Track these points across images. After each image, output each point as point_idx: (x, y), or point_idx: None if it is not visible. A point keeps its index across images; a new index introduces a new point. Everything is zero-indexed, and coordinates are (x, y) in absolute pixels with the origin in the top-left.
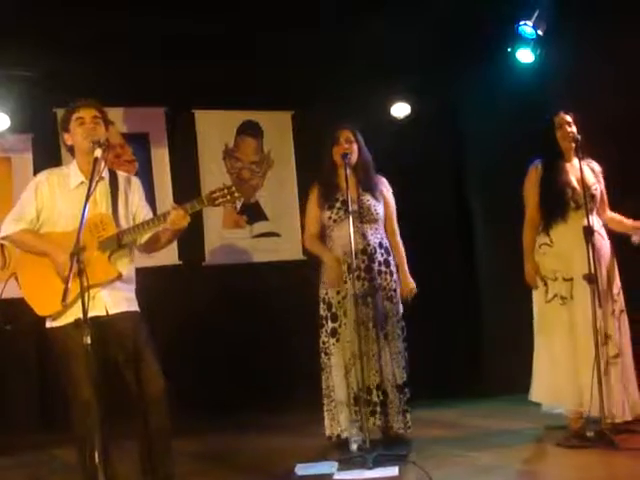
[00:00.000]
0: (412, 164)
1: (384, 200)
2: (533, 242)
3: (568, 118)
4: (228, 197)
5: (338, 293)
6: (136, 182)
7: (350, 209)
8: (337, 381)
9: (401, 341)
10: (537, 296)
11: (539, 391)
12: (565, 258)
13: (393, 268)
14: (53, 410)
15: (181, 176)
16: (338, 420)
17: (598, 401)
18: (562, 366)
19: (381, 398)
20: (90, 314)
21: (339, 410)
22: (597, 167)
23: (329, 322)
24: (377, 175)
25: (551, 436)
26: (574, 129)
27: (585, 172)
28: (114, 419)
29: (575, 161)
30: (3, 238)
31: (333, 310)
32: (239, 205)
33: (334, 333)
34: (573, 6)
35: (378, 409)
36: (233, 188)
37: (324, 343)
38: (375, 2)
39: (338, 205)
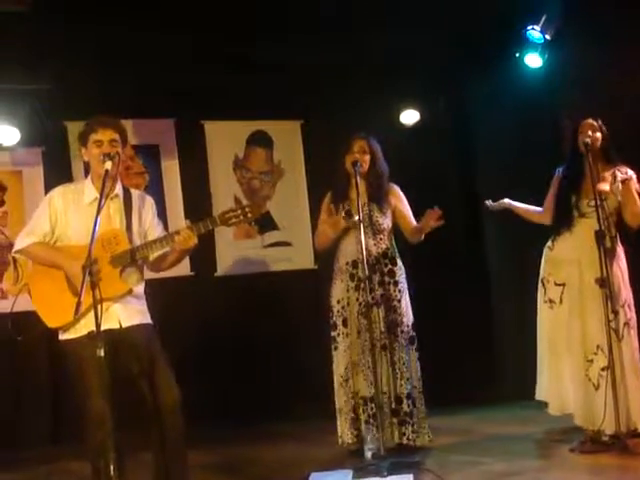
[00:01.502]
0: (421, 169)
1: (392, 211)
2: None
3: (591, 123)
4: (241, 217)
5: (338, 302)
6: (150, 201)
7: (360, 218)
8: (336, 388)
9: (408, 352)
10: (539, 297)
11: (542, 391)
12: (560, 264)
13: (398, 278)
14: (66, 422)
15: (192, 187)
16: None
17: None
18: (558, 372)
19: (374, 410)
20: (103, 327)
21: (339, 417)
22: (623, 174)
23: (331, 330)
24: (390, 184)
25: (566, 441)
26: (598, 135)
27: (607, 179)
28: (129, 431)
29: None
30: (17, 252)
31: (333, 319)
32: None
33: (334, 341)
34: (580, 10)
35: (371, 420)
36: (247, 209)
37: (332, 351)
38: (382, 10)
39: (342, 215)
